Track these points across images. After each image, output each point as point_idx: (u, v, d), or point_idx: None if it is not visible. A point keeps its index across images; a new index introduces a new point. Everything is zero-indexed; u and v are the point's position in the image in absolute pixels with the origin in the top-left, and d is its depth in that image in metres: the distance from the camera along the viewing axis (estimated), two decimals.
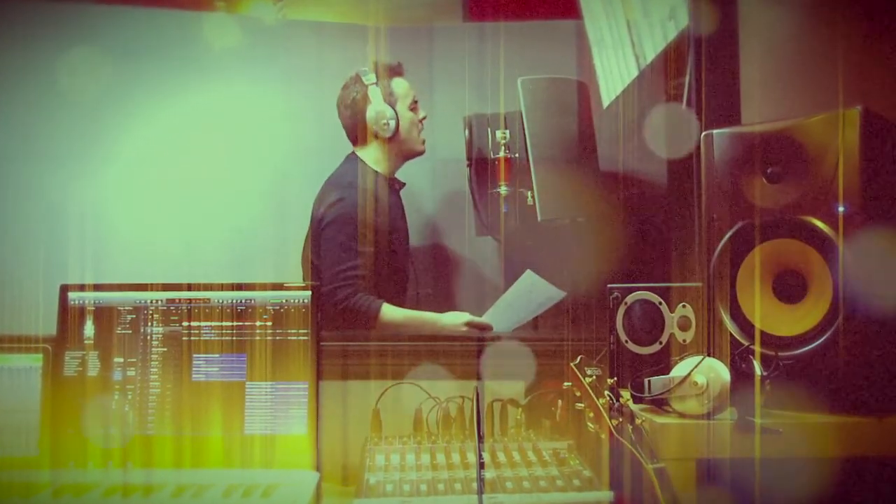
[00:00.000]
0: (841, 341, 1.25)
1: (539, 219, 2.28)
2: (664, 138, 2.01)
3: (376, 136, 2.39)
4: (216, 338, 1.45)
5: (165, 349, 1.45)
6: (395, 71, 2.45)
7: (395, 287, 2.38)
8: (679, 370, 1.29)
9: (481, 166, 2.49)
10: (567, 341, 1.73)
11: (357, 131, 2.42)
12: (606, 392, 1.20)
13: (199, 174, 2.71)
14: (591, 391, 1.22)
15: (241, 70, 2.78)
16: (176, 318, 1.46)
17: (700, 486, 1.23)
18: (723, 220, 1.40)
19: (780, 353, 1.30)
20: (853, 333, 1.25)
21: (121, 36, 2.67)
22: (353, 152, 2.44)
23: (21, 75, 2.59)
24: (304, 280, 2.35)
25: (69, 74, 2.55)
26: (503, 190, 2.40)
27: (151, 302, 1.46)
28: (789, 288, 1.34)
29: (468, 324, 2.23)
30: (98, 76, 2.55)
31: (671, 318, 1.52)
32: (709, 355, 1.31)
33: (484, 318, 2.24)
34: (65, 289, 1.47)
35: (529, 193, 2.31)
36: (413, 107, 2.44)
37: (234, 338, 1.45)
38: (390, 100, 2.39)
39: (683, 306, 1.52)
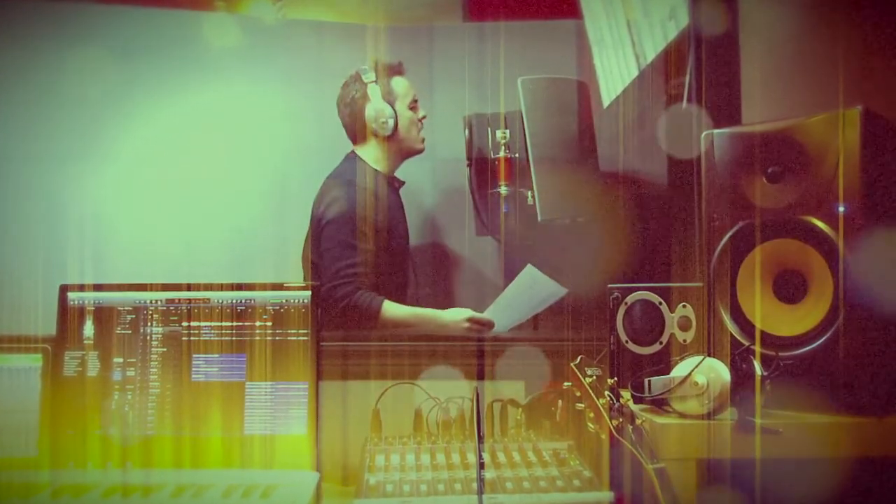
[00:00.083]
0: (841, 341, 1.25)
1: (539, 219, 2.28)
2: (671, 138, 2.00)
3: (375, 135, 2.39)
4: (216, 338, 1.45)
5: (165, 349, 1.45)
6: (396, 70, 2.45)
7: (395, 285, 2.38)
8: (679, 370, 1.29)
9: (481, 166, 2.49)
10: (567, 341, 1.73)
11: (356, 130, 2.42)
12: (607, 392, 1.20)
13: (199, 174, 2.71)
14: (591, 391, 1.22)
15: (240, 70, 2.79)
16: (176, 318, 1.45)
17: (700, 487, 1.23)
18: (723, 220, 1.39)
19: (780, 353, 1.30)
20: (853, 334, 1.25)
21: (121, 36, 2.68)
22: (353, 151, 2.44)
23: (21, 75, 2.59)
24: (304, 280, 2.35)
25: (69, 74, 2.55)
26: (503, 190, 2.40)
27: (151, 302, 1.46)
28: (790, 288, 1.34)
29: (470, 319, 2.22)
30: (98, 76, 2.55)
31: (671, 319, 1.52)
32: (709, 355, 1.31)
33: (485, 315, 2.24)
34: (64, 289, 1.46)
35: (529, 193, 2.31)
36: (413, 106, 2.44)
37: (234, 338, 1.45)
38: (389, 98, 2.39)
39: (684, 306, 1.52)
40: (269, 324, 1.45)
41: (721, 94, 1.82)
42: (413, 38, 2.94)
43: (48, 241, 2.49)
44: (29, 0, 2.66)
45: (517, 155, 2.39)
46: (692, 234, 1.76)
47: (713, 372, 1.26)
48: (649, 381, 1.31)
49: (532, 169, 2.28)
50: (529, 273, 2.18)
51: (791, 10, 1.83)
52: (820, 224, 1.28)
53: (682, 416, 1.27)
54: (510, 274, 2.29)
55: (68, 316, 1.45)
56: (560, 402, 1.55)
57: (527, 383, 1.70)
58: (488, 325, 2.22)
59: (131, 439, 1.40)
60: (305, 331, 1.44)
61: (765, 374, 1.27)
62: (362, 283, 2.21)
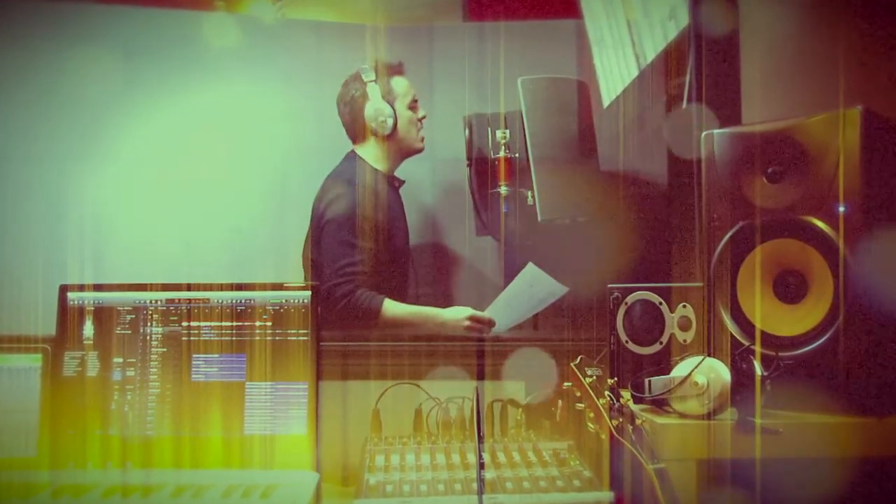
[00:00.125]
0: (841, 341, 1.25)
1: (539, 219, 2.28)
2: (671, 138, 2.00)
3: (374, 134, 2.40)
4: (216, 338, 1.45)
5: (165, 349, 1.45)
6: (396, 70, 2.45)
7: (395, 284, 2.38)
8: (679, 370, 1.29)
9: (481, 166, 2.49)
10: (567, 341, 1.73)
11: (356, 129, 2.43)
12: (607, 392, 1.19)
13: (199, 174, 2.71)
14: (591, 391, 1.22)
15: (240, 70, 2.79)
16: (175, 318, 1.45)
17: (700, 487, 1.23)
18: (723, 220, 1.39)
19: (780, 354, 1.30)
20: (854, 334, 1.25)
21: (121, 36, 2.68)
22: (353, 150, 2.44)
23: (21, 75, 2.59)
24: (304, 280, 2.35)
25: (69, 74, 2.55)
26: (503, 190, 2.40)
27: (151, 302, 1.46)
28: (790, 288, 1.34)
29: (470, 318, 2.22)
30: (98, 76, 2.55)
31: (671, 319, 1.52)
32: (709, 355, 1.31)
33: (486, 313, 2.24)
34: (64, 289, 1.46)
35: (529, 193, 2.31)
36: (412, 105, 2.44)
37: (234, 338, 1.44)
38: (389, 98, 2.39)
39: (684, 306, 1.52)
40: (269, 324, 1.44)
41: (721, 94, 1.82)
42: (413, 38, 2.94)
43: (48, 241, 2.49)
44: (29, 0, 2.66)
45: (517, 155, 2.39)
46: (692, 234, 1.77)
47: (713, 372, 1.26)
48: (649, 381, 1.31)
49: (532, 169, 2.28)
50: (530, 271, 2.18)
51: (791, 10, 1.83)
52: (820, 224, 1.28)
53: (682, 416, 1.27)
54: (510, 274, 2.29)
55: (68, 316, 1.45)
56: (560, 402, 1.54)
57: (527, 383, 1.70)
58: (489, 323, 2.22)
59: (131, 439, 1.40)
60: (305, 331, 1.44)
61: (765, 374, 1.27)
62: (362, 282, 2.21)
